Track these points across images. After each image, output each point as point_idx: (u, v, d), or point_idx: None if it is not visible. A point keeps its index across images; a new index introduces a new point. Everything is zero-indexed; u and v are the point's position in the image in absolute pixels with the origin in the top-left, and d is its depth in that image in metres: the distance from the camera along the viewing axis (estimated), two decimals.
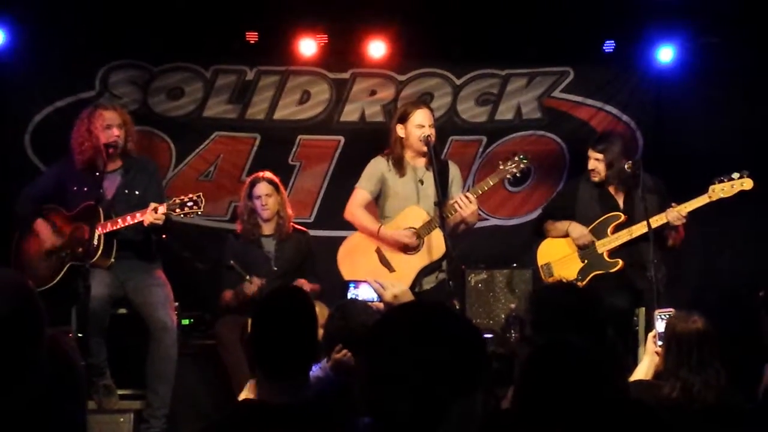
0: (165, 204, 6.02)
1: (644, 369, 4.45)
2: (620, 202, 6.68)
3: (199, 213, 6.14)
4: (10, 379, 2.37)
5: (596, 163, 6.63)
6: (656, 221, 6.27)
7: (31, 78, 7.76)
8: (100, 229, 6.02)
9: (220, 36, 7.73)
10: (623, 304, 6.30)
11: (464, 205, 6.03)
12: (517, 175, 6.28)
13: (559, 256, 6.76)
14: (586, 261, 6.64)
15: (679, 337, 4.14)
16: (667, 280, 6.46)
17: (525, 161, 6.21)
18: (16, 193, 6.97)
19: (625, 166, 6.49)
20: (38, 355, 2.48)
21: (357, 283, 4.36)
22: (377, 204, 6.55)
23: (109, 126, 6.23)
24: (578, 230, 6.67)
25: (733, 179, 6.22)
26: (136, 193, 6.28)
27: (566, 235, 6.73)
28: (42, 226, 6.27)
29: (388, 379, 2.07)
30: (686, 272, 7.56)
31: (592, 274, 6.58)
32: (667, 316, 4.43)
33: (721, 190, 6.22)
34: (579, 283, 6.44)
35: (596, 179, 6.65)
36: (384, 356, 2.10)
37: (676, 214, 6.25)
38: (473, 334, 2.16)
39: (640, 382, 4.33)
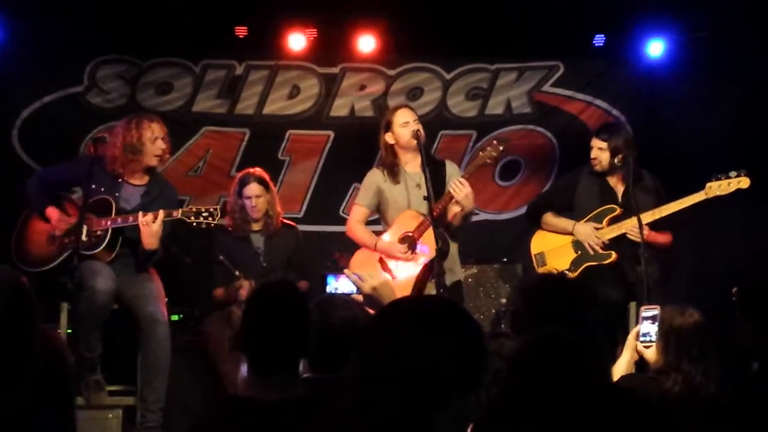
0: (180, 210, 6.10)
1: (623, 365, 4.46)
2: (619, 195, 6.67)
3: (212, 226, 6.15)
4: (5, 379, 2.35)
5: (599, 152, 6.63)
6: (645, 218, 6.28)
7: (18, 73, 7.72)
8: (105, 222, 6.08)
9: (209, 31, 7.70)
10: (617, 297, 6.31)
11: (458, 189, 6.03)
12: (494, 155, 6.25)
13: (553, 246, 6.76)
14: (579, 252, 6.64)
15: (678, 331, 4.16)
16: (659, 276, 6.46)
17: (504, 143, 6.25)
18: (3, 188, 6.97)
19: (615, 160, 6.50)
20: (34, 354, 2.45)
21: (336, 275, 4.34)
22: (380, 215, 6.60)
23: (157, 138, 6.33)
24: (585, 231, 6.63)
25: (730, 177, 6.20)
26: None
27: (566, 233, 6.71)
28: (53, 211, 6.29)
29: (383, 377, 2.02)
30: (679, 269, 7.56)
31: (584, 265, 6.58)
32: (652, 312, 4.44)
33: (717, 187, 6.21)
34: (571, 274, 6.48)
35: (598, 168, 6.65)
36: (381, 352, 2.05)
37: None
38: (476, 330, 2.12)
39: (637, 376, 4.34)
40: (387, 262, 6.33)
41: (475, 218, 7.90)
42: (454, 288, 6.29)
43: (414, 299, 2.28)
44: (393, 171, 6.44)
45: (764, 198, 6.64)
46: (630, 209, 6.43)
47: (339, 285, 4.07)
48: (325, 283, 4.51)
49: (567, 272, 6.46)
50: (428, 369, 2.00)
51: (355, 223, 6.55)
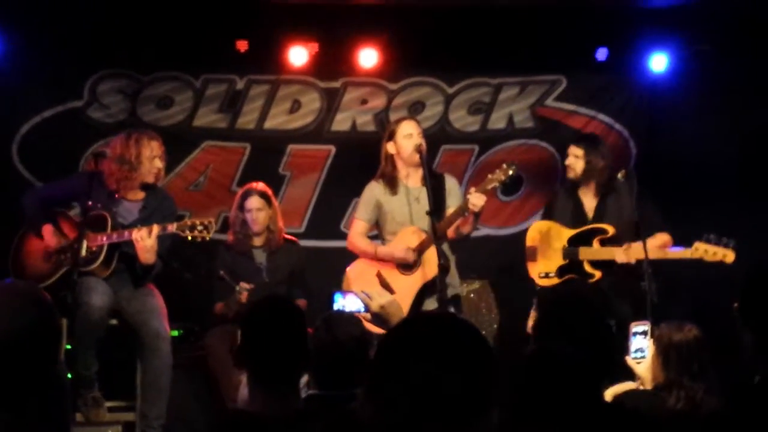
0: (175, 224, 6.03)
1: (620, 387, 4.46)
2: (591, 210, 6.72)
3: (207, 239, 6.09)
4: (26, 392, 2.35)
5: (574, 159, 6.69)
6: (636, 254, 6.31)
7: (18, 87, 7.67)
8: (101, 238, 6.03)
9: (210, 45, 7.67)
10: (626, 311, 6.30)
11: (478, 201, 6.02)
12: (506, 182, 6.29)
13: (547, 246, 6.77)
14: (567, 261, 6.65)
15: (678, 347, 4.18)
16: (660, 294, 6.46)
17: (513, 167, 6.20)
18: (2, 203, 6.94)
19: (618, 175, 6.50)
20: (55, 367, 2.49)
21: (344, 293, 4.33)
22: (379, 229, 6.58)
23: (155, 156, 6.30)
24: None
25: (719, 244, 6.20)
26: None
27: None
28: (48, 229, 6.25)
29: (394, 398, 1.99)
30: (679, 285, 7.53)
31: (568, 276, 6.60)
32: (642, 328, 4.45)
33: (704, 251, 6.22)
34: (555, 279, 6.57)
35: (571, 176, 6.72)
36: (391, 373, 2.01)
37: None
38: (486, 348, 2.09)
39: (639, 393, 4.33)
40: (385, 275, 6.30)
41: (477, 233, 7.87)
42: (452, 302, 6.24)
43: (423, 318, 2.24)
44: (392, 182, 6.42)
45: (765, 210, 6.63)
46: (602, 222, 6.58)
47: (346, 303, 4.04)
48: (332, 301, 4.50)
49: (549, 276, 6.50)
50: (439, 389, 1.97)
51: (355, 236, 6.55)
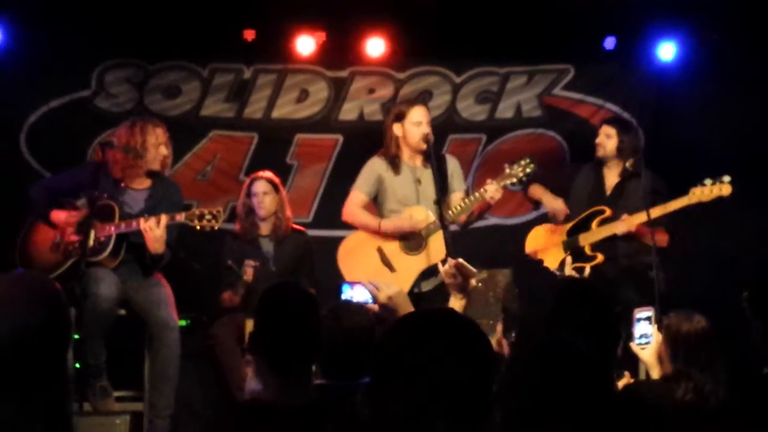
0: (184, 213, 6.02)
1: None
2: (609, 189, 6.74)
3: (216, 228, 6.07)
4: (33, 385, 2.35)
5: (605, 138, 6.75)
6: (635, 220, 6.40)
7: (25, 77, 7.67)
8: (109, 229, 6.03)
9: (217, 34, 7.67)
10: (631, 297, 6.31)
11: (496, 194, 6.10)
12: (524, 179, 6.32)
13: (545, 245, 6.83)
14: (568, 252, 6.66)
15: (687, 338, 4.17)
16: (666, 284, 6.47)
17: (531, 164, 6.24)
18: (11, 193, 6.95)
19: (627, 164, 6.52)
20: (64, 361, 2.49)
21: (352, 284, 4.33)
22: (375, 205, 6.52)
23: (160, 144, 6.30)
24: (553, 203, 6.86)
25: (714, 183, 6.25)
26: None
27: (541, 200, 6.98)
28: (58, 214, 6.26)
29: (397, 390, 2.00)
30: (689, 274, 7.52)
31: (573, 266, 6.61)
32: (646, 314, 4.45)
33: (701, 193, 6.28)
34: (560, 273, 6.58)
35: (600, 154, 6.73)
36: (394, 367, 2.04)
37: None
38: (486, 343, 2.10)
39: (648, 383, 4.32)
40: (387, 252, 6.27)
41: (485, 222, 7.88)
42: (439, 288, 6.21)
43: (424, 315, 2.26)
44: (395, 161, 6.40)
45: None
46: (618, 206, 6.61)
47: (354, 294, 4.05)
48: (339, 292, 4.50)
49: (556, 272, 6.53)
50: (440, 385, 1.99)
51: (354, 207, 6.48)
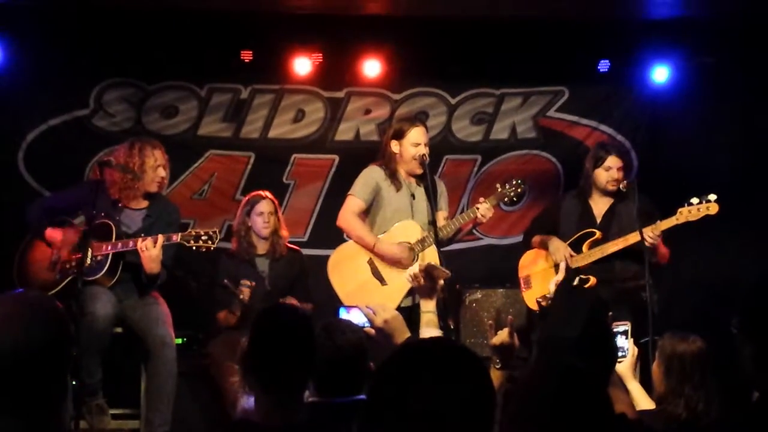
0: (180, 234, 6.04)
1: (639, 395, 4.45)
2: (600, 215, 6.74)
3: (212, 249, 6.10)
4: (35, 401, 2.38)
5: (617, 172, 6.67)
6: (628, 240, 6.41)
7: (24, 96, 7.71)
8: (105, 247, 6.05)
9: (215, 54, 7.72)
10: (624, 316, 6.32)
11: (488, 213, 6.26)
12: (514, 199, 6.46)
13: (538, 269, 6.85)
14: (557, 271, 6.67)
15: (682, 358, 4.20)
16: (660, 305, 6.48)
17: (522, 185, 6.39)
18: (9, 211, 6.96)
19: (620, 186, 6.53)
20: (66, 379, 2.51)
21: (348, 308, 4.35)
22: (367, 213, 6.50)
23: (159, 165, 6.32)
24: (554, 244, 6.76)
25: (701, 202, 6.24)
26: None
27: (545, 248, 6.84)
28: (54, 233, 6.28)
29: (394, 420, 2.02)
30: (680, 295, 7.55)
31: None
32: (623, 327, 4.45)
33: (688, 213, 6.27)
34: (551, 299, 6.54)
35: (615, 188, 6.65)
36: (391, 397, 2.05)
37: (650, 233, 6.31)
38: (485, 374, 2.12)
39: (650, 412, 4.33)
40: (378, 266, 6.29)
41: (479, 243, 7.92)
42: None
43: (420, 346, 2.26)
44: (395, 176, 6.42)
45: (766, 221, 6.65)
46: (610, 229, 6.62)
47: (350, 317, 4.07)
48: (336, 315, 4.52)
49: (547, 297, 6.52)
50: (438, 415, 2.01)
51: (351, 215, 6.43)
